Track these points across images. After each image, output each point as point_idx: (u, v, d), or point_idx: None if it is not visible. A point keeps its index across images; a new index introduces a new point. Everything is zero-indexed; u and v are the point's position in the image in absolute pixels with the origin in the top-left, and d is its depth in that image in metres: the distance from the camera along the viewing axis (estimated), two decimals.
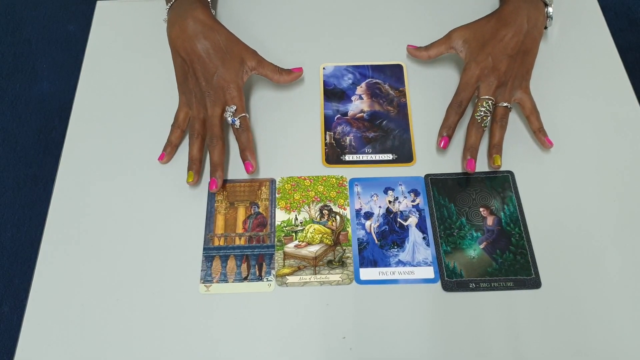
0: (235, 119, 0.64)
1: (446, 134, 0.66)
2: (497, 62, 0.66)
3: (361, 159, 0.67)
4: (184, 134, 0.68)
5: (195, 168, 0.64)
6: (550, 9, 0.70)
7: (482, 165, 0.66)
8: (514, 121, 0.69)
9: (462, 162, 0.66)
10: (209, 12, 0.68)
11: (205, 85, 0.65)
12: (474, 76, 0.66)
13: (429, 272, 0.59)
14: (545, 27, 0.72)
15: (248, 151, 0.64)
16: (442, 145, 0.66)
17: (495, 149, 0.65)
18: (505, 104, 0.66)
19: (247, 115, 0.65)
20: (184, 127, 0.68)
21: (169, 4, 0.70)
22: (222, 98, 0.65)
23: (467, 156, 0.65)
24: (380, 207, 0.64)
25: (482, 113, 0.65)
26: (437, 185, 0.65)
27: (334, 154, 0.68)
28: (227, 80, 0.65)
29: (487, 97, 0.65)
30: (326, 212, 0.64)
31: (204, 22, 0.66)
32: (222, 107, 0.65)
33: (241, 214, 0.64)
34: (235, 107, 0.64)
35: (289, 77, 0.70)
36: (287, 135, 0.69)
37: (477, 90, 0.67)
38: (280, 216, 0.64)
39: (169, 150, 0.67)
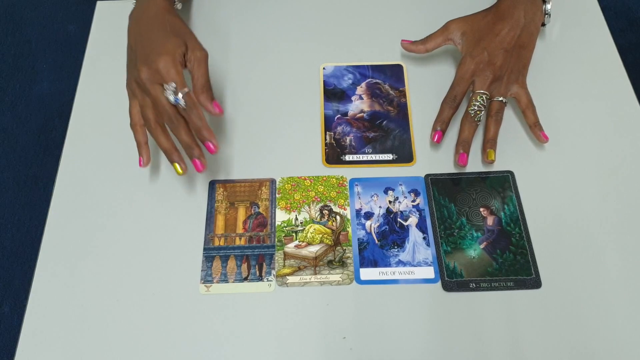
0: (178, 97, 0.56)
1: (440, 128, 0.66)
2: (492, 56, 0.66)
3: (361, 159, 0.67)
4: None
5: (176, 157, 0.60)
6: (548, 6, 0.70)
7: (481, 165, 0.66)
8: (514, 121, 0.69)
9: (454, 156, 0.66)
10: (166, 3, 0.65)
11: (141, 64, 0.58)
12: (469, 70, 0.66)
13: (429, 272, 0.59)
14: (544, 24, 0.72)
15: (205, 130, 0.58)
16: (435, 140, 0.66)
17: (489, 144, 0.65)
18: (500, 99, 0.66)
19: (189, 89, 0.57)
20: (142, 121, 0.61)
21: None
22: (158, 75, 0.58)
23: (460, 150, 0.65)
24: (380, 207, 0.64)
25: (475, 107, 0.65)
26: (437, 185, 0.65)
27: (334, 154, 0.68)
28: (160, 53, 0.58)
29: (481, 91, 0.65)
30: (326, 212, 0.64)
31: (157, 12, 0.63)
32: (160, 84, 0.58)
33: (241, 214, 0.64)
34: (173, 84, 0.56)
35: (202, 97, 0.59)
36: (287, 135, 0.69)
37: (472, 84, 0.67)
38: (281, 216, 0.64)
39: (144, 150, 0.62)
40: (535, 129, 0.66)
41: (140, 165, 0.62)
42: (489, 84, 0.66)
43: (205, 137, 0.58)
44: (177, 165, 0.60)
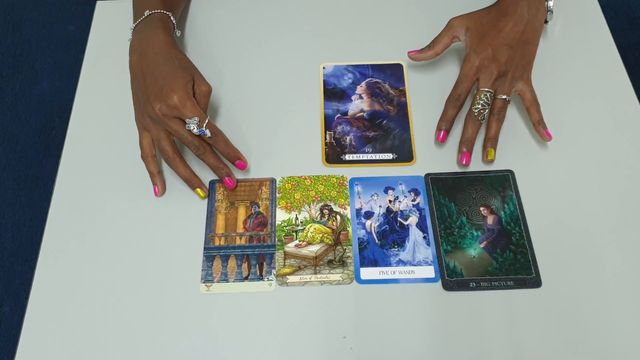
0: (203, 129, 0.61)
1: (444, 127, 0.66)
2: (497, 52, 0.66)
3: (361, 158, 0.67)
4: (157, 158, 0.65)
5: (196, 183, 0.64)
6: (550, 3, 0.70)
7: (481, 164, 0.66)
8: (514, 119, 0.69)
9: (457, 155, 0.66)
10: (170, 38, 0.67)
11: (154, 100, 0.61)
12: (474, 67, 0.66)
13: (429, 271, 0.59)
14: (546, 22, 0.72)
15: (232, 151, 0.64)
16: (440, 139, 0.66)
17: (490, 143, 0.65)
18: (504, 97, 0.66)
19: (207, 116, 0.62)
20: (154, 151, 0.65)
21: (134, 24, 0.68)
22: (176, 110, 0.61)
23: (463, 149, 0.65)
24: (380, 206, 0.64)
25: (479, 106, 0.65)
26: (437, 184, 0.65)
27: (334, 154, 0.68)
28: (173, 89, 0.60)
29: (486, 89, 0.65)
30: (327, 211, 0.64)
31: (162, 47, 0.65)
32: (179, 119, 0.61)
33: (242, 213, 0.64)
34: (197, 118, 0.60)
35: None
36: (287, 135, 0.69)
37: (477, 81, 0.66)
38: (281, 216, 0.64)
39: (158, 180, 0.64)
40: (538, 127, 0.66)
41: (156, 194, 0.65)
42: (493, 80, 0.65)
43: (234, 157, 0.64)
44: (199, 190, 0.64)
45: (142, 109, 0.63)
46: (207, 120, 0.61)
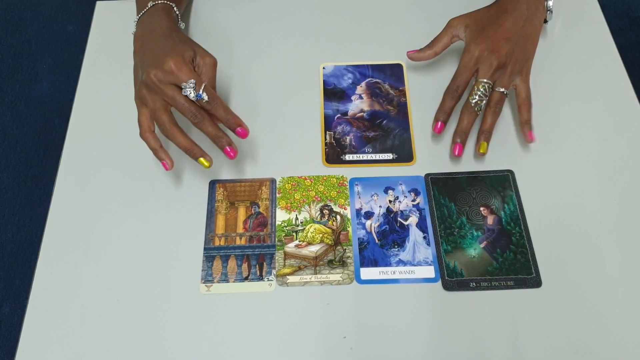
0: (200, 93, 0.57)
1: (442, 119, 0.66)
2: (497, 44, 0.65)
3: (361, 158, 0.67)
4: (156, 133, 0.62)
5: (198, 152, 0.60)
6: (550, 3, 0.70)
7: (481, 164, 0.66)
8: (515, 119, 0.69)
9: (450, 146, 0.65)
10: (173, 24, 0.66)
11: (150, 68, 0.59)
12: (473, 57, 0.65)
13: (429, 271, 0.59)
14: (546, 21, 0.72)
15: (233, 118, 0.60)
16: (436, 130, 0.66)
17: (484, 135, 0.65)
18: (502, 90, 0.65)
19: (205, 82, 0.59)
20: (152, 127, 0.61)
21: (138, 16, 0.68)
22: (171, 76, 0.58)
23: (456, 140, 0.65)
24: (380, 206, 0.64)
25: (477, 97, 0.65)
26: (437, 184, 0.65)
27: (334, 154, 0.68)
28: (169, 55, 0.58)
29: (484, 80, 0.64)
30: (327, 211, 0.64)
31: (164, 31, 0.64)
32: (176, 85, 0.59)
33: (242, 213, 0.64)
34: (193, 81, 0.57)
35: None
36: (287, 135, 0.69)
37: (476, 72, 0.66)
38: (281, 216, 0.64)
39: (163, 153, 0.61)
40: (524, 127, 0.66)
41: (166, 169, 0.61)
42: (492, 71, 0.64)
43: (234, 124, 0.59)
44: (202, 159, 0.60)
45: (140, 81, 0.61)
46: (204, 84, 0.58)
